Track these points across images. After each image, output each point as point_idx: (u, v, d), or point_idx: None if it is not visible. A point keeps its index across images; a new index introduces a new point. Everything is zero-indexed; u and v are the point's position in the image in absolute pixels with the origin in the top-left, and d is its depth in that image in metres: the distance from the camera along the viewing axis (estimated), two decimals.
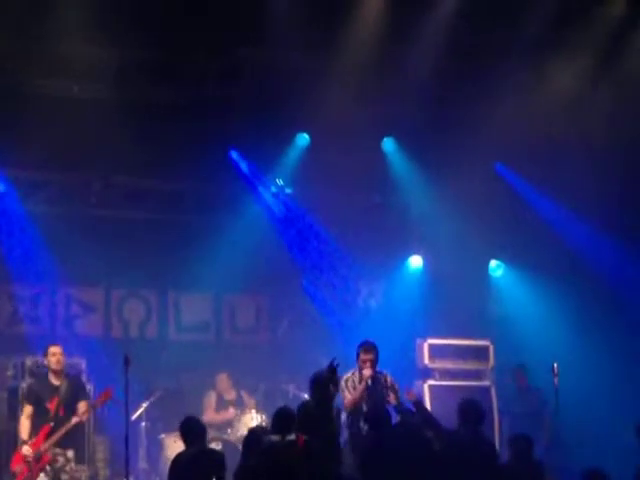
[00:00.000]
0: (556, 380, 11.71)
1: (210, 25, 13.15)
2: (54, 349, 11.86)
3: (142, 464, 13.67)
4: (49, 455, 11.44)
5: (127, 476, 10.92)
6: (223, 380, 14.38)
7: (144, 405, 13.66)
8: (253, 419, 13.66)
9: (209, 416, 13.80)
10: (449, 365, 13.81)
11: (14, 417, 12.83)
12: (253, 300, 16.33)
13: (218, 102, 14.15)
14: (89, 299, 15.33)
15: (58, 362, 11.78)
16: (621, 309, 15.01)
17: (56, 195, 14.57)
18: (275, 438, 9.19)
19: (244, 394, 14.38)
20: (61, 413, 11.63)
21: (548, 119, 14.44)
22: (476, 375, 13.84)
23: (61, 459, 11.49)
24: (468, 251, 15.25)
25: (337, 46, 13.86)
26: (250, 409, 13.96)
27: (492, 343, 13.95)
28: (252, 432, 10.10)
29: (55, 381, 11.81)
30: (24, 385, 12.89)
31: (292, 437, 9.10)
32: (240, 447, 12.66)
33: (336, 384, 10.05)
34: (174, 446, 13.02)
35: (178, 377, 15.12)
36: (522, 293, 15.58)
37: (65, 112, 13.40)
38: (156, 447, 13.72)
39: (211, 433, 12.76)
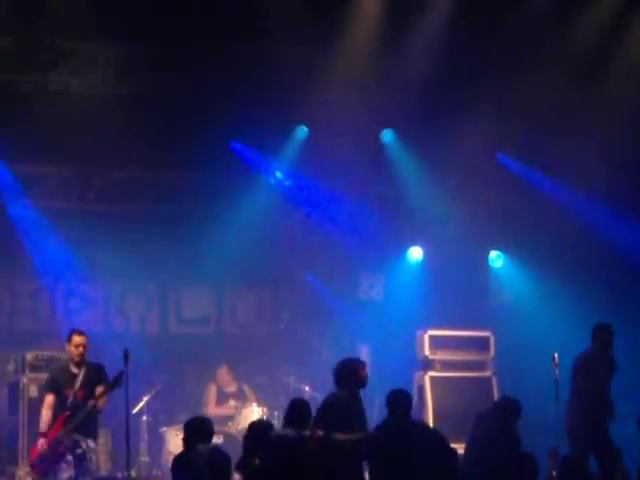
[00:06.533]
0: (557, 370, 11.67)
1: (210, 18, 13.13)
2: (78, 339, 11.10)
3: (143, 457, 13.67)
4: (67, 442, 10.79)
5: (128, 469, 10.92)
6: (223, 372, 14.37)
7: (145, 399, 13.65)
8: (254, 412, 13.67)
9: (211, 410, 13.82)
10: (450, 356, 13.80)
11: (15, 411, 12.85)
12: (254, 293, 16.31)
13: (218, 95, 14.13)
14: (89, 293, 15.33)
15: (79, 354, 11.07)
16: (622, 298, 14.98)
17: (55, 189, 14.57)
18: (288, 432, 8.99)
19: (245, 387, 14.37)
20: (80, 399, 10.96)
21: (549, 106, 14.38)
22: (477, 366, 13.84)
23: (83, 445, 10.85)
24: (468, 242, 15.23)
25: (336, 37, 13.82)
26: (251, 402, 13.96)
27: (493, 334, 13.94)
28: (253, 427, 9.90)
29: (75, 369, 11.15)
30: (25, 380, 12.90)
31: (307, 433, 8.88)
32: (241, 439, 12.71)
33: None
34: (175, 439, 13.03)
35: (179, 370, 15.10)
36: (522, 283, 15.57)
37: (64, 106, 13.41)
38: (157, 440, 13.72)
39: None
